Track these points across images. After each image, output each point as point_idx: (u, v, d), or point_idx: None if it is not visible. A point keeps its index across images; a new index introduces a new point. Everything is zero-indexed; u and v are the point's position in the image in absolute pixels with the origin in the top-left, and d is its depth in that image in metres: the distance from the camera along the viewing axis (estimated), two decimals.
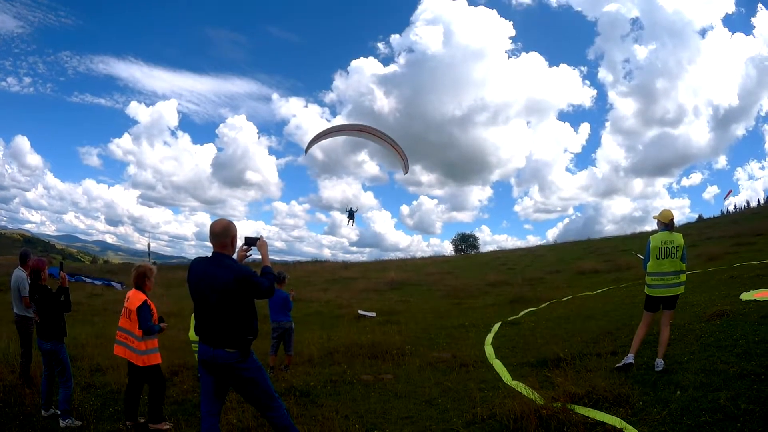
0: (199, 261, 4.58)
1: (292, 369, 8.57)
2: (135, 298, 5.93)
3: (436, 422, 5.79)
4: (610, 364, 7.39)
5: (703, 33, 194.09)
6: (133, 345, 5.85)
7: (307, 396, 6.88)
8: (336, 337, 10.65)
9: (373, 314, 14.70)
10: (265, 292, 4.47)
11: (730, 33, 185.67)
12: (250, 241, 4.92)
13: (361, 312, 14.84)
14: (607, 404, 5.74)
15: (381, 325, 12.95)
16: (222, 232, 4.49)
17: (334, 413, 5.99)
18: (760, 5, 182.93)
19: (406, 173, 18.52)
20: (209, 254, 4.55)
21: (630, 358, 7.24)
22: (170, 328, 6.83)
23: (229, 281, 4.32)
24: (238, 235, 4.67)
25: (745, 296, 11.16)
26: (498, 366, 8.20)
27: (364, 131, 17.72)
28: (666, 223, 7.47)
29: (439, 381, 7.53)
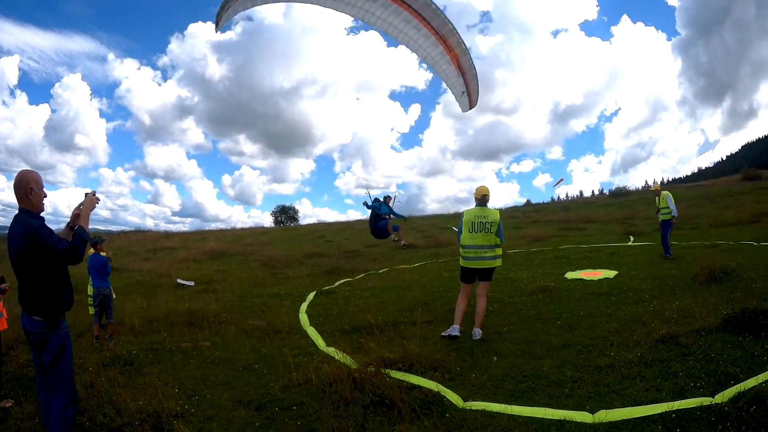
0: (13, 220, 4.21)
1: (116, 338, 8.33)
2: None
3: (253, 387, 5.90)
4: (426, 332, 7.67)
5: (555, 33, 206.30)
6: None
7: (131, 365, 6.78)
8: (156, 305, 10.43)
9: (192, 283, 14.53)
10: (60, 253, 4.05)
11: (587, 36, 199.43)
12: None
13: (180, 281, 14.59)
14: (422, 369, 5.92)
15: (199, 294, 12.80)
16: (17, 184, 4.14)
17: (157, 380, 5.98)
18: (625, 16, 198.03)
19: (470, 108, 13.69)
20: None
21: (455, 329, 7.57)
22: (6, 301, 6.47)
23: (18, 239, 4.04)
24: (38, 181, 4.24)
25: (570, 275, 12.11)
26: (312, 333, 8.38)
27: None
28: (479, 198, 7.85)
29: (255, 347, 7.61)
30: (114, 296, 8.92)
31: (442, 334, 7.56)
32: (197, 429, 4.79)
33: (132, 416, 4.77)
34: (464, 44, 11.60)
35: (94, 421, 4.81)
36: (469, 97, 12.84)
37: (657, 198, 14.92)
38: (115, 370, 6.41)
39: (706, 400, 4.59)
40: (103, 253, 8.82)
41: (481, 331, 7.43)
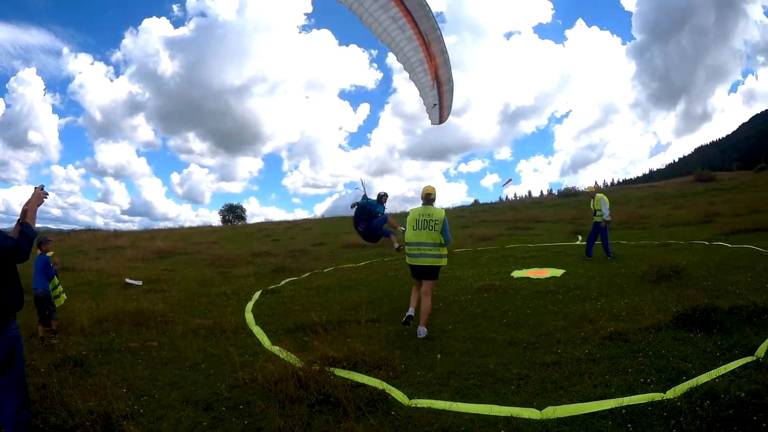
0: None
1: (65, 339, 8.33)
2: None
3: (201, 387, 5.91)
4: (371, 331, 7.80)
5: (508, 36, 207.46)
6: None
7: (81, 366, 6.78)
8: (105, 305, 10.38)
9: (140, 282, 14.50)
10: (5, 252, 4.08)
11: (540, 39, 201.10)
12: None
13: (128, 280, 14.54)
14: (367, 367, 6.01)
15: (147, 293, 12.77)
16: None
17: (106, 381, 6.01)
18: (580, 20, 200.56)
19: (440, 122, 12.60)
20: None
21: (411, 311, 7.93)
22: None
23: None
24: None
25: (517, 273, 12.32)
26: (258, 332, 8.47)
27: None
28: (423, 197, 8.09)
29: (202, 347, 7.63)
30: (56, 297, 8.82)
31: (402, 320, 7.85)
32: (147, 429, 4.81)
33: (83, 417, 4.78)
34: (447, 54, 10.95)
35: (47, 423, 4.81)
36: (441, 111, 12.01)
37: (592, 200, 15.10)
38: (66, 371, 6.43)
39: (657, 396, 4.67)
40: (49, 254, 8.76)
41: (425, 330, 7.62)
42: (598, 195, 14.91)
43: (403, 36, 10.65)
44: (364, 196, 13.20)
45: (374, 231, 12.88)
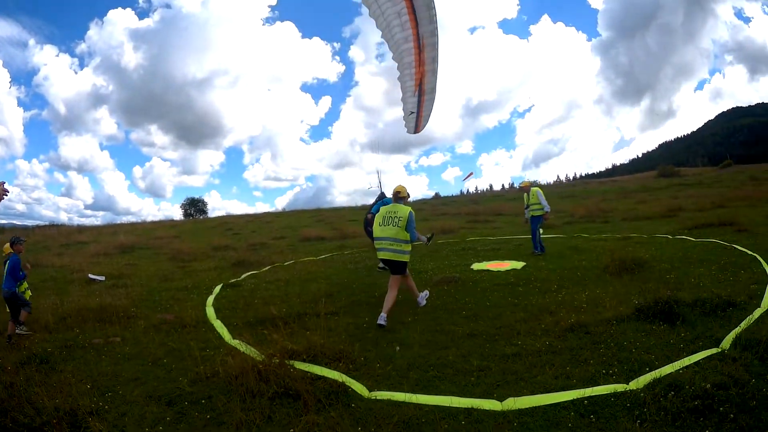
0: None
1: (31, 336, 8.38)
2: None
3: (163, 382, 5.96)
4: (330, 324, 7.79)
5: (472, 30, 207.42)
6: None
7: (47, 363, 6.84)
8: (68, 301, 10.42)
9: (103, 278, 14.50)
10: None
11: (504, 34, 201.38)
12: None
13: (91, 276, 14.53)
14: (326, 360, 6.05)
15: (110, 289, 12.81)
16: None
17: (71, 377, 6.05)
18: (546, 16, 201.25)
19: (415, 132, 12.15)
20: None
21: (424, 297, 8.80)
22: None
23: None
24: None
25: (477, 266, 12.37)
26: (218, 326, 8.50)
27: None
28: (392, 195, 8.61)
29: (164, 342, 7.67)
30: (22, 293, 8.89)
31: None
32: (112, 425, 4.85)
33: (50, 415, 4.82)
34: (437, 63, 10.49)
35: (16, 421, 4.82)
36: (418, 120, 11.59)
37: (526, 194, 15.13)
38: (32, 368, 6.45)
39: (620, 387, 4.72)
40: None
41: (385, 316, 7.85)
42: (533, 189, 14.95)
43: (402, 35, 10.45)
44: (381, 196, 12.60)
45: None
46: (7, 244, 8.91)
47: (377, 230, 8.47)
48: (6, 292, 8.54)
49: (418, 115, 11.26)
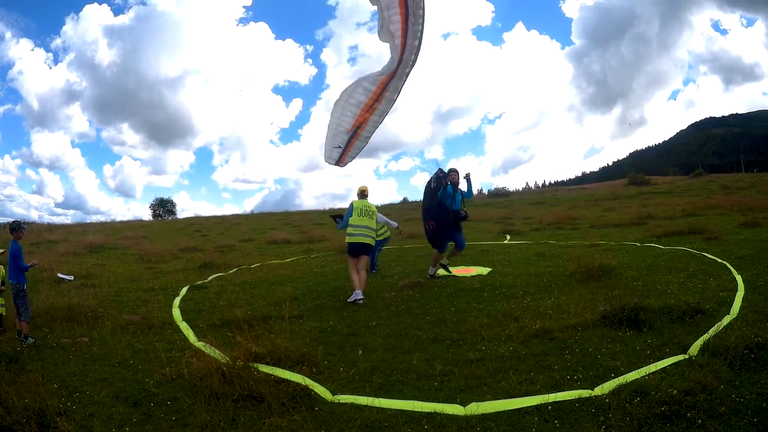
0: None
1: (4, 336, 8.30)
2: None
3: (129, 383, 5.94)
4: (295, 327, 7.89)
5: (446, 36, 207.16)
6: None
7: (16, 362, 6.83)
8: (37, 300, 10.37)
9: (72, 277, 14.44)
10: None
11: (478, 41, 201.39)
12: None
13: (60, 275, 14.52)
14: (290, 363, 6.04)
15: (78, 288, 12.81)
16: None
17: (40, 377, 6.03)
18: (520, 23, 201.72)
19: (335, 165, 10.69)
20: None
21: (358, 294, 9.80)
22: None
23: None
24: None
25: (441, 271, 12.18)
26: (184, 328, 8.53)
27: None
28: (359, 193, 10.83)
29: (130, 343, 7.67)
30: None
31: (348, 299, 9.82)
32: (79, 426, 4.87)
33: (19, 414, 4.84)
34: (394, 103, 9.63)
35: None
36: (343, 155, 10.42)
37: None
38: (1, 367, 6.47)
39: (585, 393, 4.75)
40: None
41: (361, 293, 9.81)
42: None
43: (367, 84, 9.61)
44: (439, 177, 11.15)
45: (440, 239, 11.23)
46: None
47: (356, 220, 10.32)
48: (14, 286, 8.35)
49: (344, 151, 10.37)
